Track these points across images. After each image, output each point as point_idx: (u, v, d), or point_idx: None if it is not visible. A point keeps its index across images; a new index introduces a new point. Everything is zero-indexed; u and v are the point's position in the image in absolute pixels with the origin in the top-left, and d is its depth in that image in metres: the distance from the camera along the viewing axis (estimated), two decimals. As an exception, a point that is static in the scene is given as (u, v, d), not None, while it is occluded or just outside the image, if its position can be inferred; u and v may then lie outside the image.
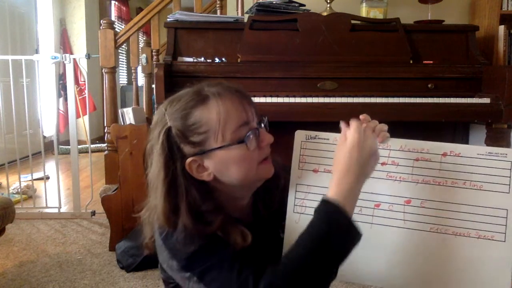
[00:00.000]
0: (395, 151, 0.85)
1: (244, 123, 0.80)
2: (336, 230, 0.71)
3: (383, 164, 0.85)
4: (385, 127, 0.86)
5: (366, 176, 0.79)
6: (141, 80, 3.71)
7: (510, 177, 0.81)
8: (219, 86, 0.81)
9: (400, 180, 0.84)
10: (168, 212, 0.78)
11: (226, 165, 0.80)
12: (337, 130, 0.91)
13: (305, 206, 0.89)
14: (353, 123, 0.80)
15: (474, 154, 0.82)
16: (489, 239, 0.80)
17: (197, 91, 0.81)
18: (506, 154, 0.81)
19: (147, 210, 0.83)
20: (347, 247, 0.72)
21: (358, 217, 0.86)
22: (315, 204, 0.87)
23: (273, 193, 0.91)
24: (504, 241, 0.80)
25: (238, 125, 0.79)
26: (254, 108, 0.83)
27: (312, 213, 0.87)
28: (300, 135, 0.90)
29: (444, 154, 0.83)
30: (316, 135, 0.89)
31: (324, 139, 0.89)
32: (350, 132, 0.79)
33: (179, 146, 0.79)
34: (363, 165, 0.77)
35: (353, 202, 0.76)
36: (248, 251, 0.78)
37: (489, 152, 0.82)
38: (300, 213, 0.89)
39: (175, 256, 0.78)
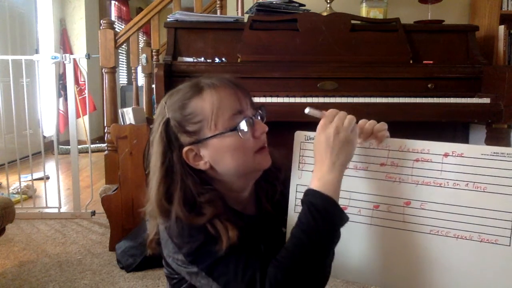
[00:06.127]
0: (394, 151, 0.84)
1: (238, 112, 0.82)
2: (324, 216, 0.75)
3: (382, 165, 0.84)
4: (384, 126, 0.85)
5: (342, 165, 0.79)
6: (141, 80, 3.71)
7: None
8: (215, 78, 0.85)
9: (400, 181, 0.83)
10: (161, 197, 0.80)
11: (221, 153, 0.82)
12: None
13: None
14: (326, 112, 0.82)
15: (478, 154, 0.79)
16: (492, 243, 0.77)
17: (194, 83, 0.85)
18: None
19: (150, 204, 0.84)
20: (335, 228, 0.76)
21: (357, 218, 0.86)
22: None
23: (274, 185, 0.93)
24: (509, 246, 0.76)
25: (231, 113, 0.81)
26: (250, 99, 0.86)
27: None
28: (299, 136, 0.90)
29: (446, 155, 0.80)
30: (314, 135, 0.89)
31: None
32: (321, 123, 0.81)
33: (177, 136, 0.82)
34: (338, 153, 0.78)
35: (334, 189, 0.77)
36: (252, 244, 0.79)
37: (494, 152, 0.78)
38: None
39: (181, 249, 0.79)
